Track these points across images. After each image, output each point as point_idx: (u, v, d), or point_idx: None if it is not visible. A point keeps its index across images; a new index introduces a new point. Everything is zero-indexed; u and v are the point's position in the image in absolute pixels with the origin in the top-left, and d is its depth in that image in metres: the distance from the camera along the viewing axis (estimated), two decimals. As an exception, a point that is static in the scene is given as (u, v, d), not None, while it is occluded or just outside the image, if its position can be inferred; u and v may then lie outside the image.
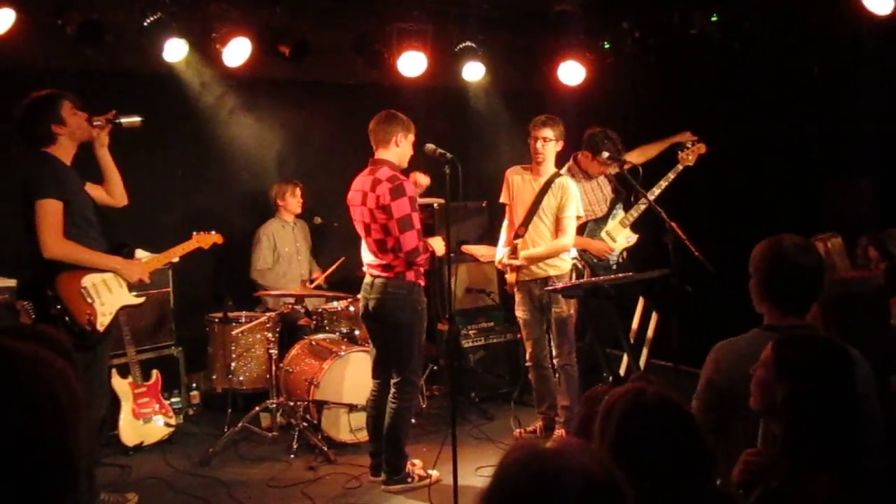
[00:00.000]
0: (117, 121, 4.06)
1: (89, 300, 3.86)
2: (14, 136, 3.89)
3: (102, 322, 3.89)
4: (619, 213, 5.31)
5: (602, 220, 5.30)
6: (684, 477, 1.72)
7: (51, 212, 3.67)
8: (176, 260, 4.68)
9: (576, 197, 4.89)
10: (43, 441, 1.14)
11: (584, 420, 2.15)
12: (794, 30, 5.27)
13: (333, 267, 5.98)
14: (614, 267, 5.26)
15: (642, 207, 5.15)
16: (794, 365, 1.96)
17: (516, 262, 4.91)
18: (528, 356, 5.12)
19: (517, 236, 4.96)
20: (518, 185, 5.05)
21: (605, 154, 4.96)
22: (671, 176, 5.21)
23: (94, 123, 3.97)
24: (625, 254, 5.35)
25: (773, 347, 2.03)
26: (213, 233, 4.73)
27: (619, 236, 5.29)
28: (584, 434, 1.98)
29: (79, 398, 1.23)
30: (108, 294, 3.95)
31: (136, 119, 4.14)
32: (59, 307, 3.74)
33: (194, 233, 4.67)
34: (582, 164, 5.33)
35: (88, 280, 3.87)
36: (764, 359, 2.04)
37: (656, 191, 5.13)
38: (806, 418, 1.92)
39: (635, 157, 5.26)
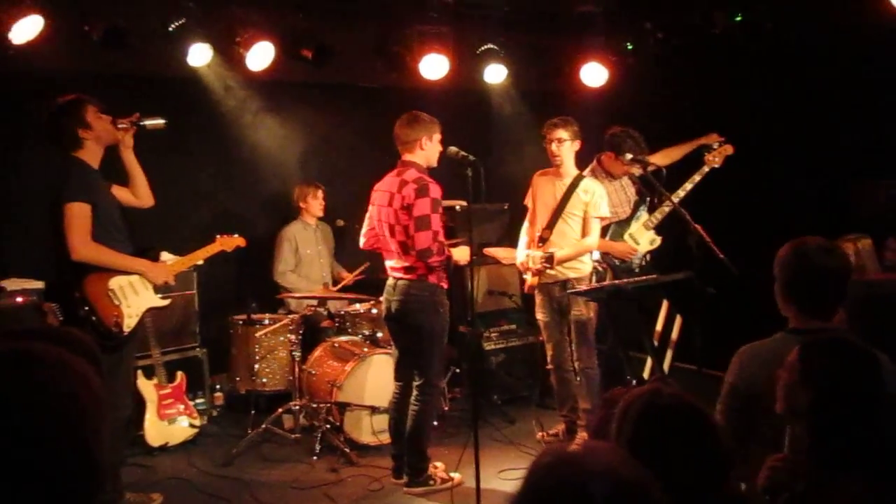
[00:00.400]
0: (141, 123, 4.11)
1: (116, 302, 3.90)
2: (40, 139, 3.95)
3: (129, 324, 3.93)
4: (643, 215, 5.26)
5: (625, 223, 5.25)
6: (700, 479, 1.71)
7: (79, 215, 3.72)
8: (200, 262, 4.72)
9: (604, 198, 4.87)
10: (65, 443, 1.15)
11: (601, 422, 2.14)
12: (819, 29, 5.22)
13: (357, 272, 6.01)
14: (637, 270, 5.21)
15: (666, 210, 5.10)
16: (821, 369, 1.94)
17: (549, 270, 4.85)
18: (548, 359, 5.10)
19: (542, 240, 4.93)
20: (540, 187, 5.03)
21: (628, 155, 4.91)
22: (696, 178, 5.15)
23: (119, 126, 4.02)
24: (648, 256, 5.30)
25: (799, 351, 2.00)
26: (236, 235, 4.77)
27: (643, 239, 5.24)
28: (601, 436, 1.97)
29: (102, 400, 1.24)
30: (134, 296, 3.99)
31: (160, 121, 4.18)
32: (86, 309, 3.78)
33: (217, 235, 4.71)
34: (605, 165, 5.30)
35: (115, 282, 3.91)
36: (789, 362, 2.01)
37: (681, 193, 5.08)
38: (832, 422, 1.90)
39: (659, 158, 5.21)
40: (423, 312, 4.26)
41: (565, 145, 4.83)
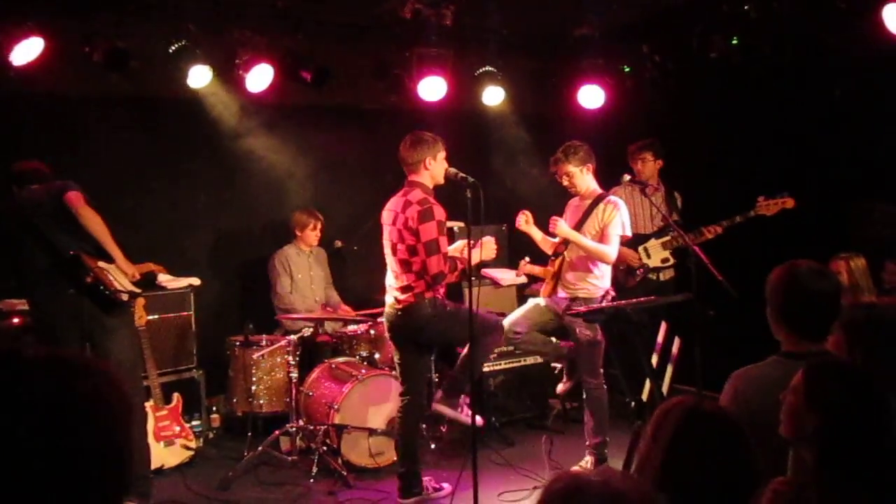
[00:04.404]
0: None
1: (105, 271, 4.25)
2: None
3: (122, 292, 4.27)
4: (667, 237, 5.38)
5: (645, 237, 5.38)
6: (731, 491, 1.71)
7: (78, 195, 4.15)
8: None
9: (624, 215, 4.78)
10: (104, 449, 1.17)
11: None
12: (815, 52, 5.25)
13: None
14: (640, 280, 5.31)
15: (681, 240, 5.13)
16: (827, 393, 1.93)
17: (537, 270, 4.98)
18: (509, 319, 4.89)
19: (556, 254, 4.93)
20: (570, 210, 5.01)
21: (626, 177, 4.95)
22: (738, 219, 5.12)
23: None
24: (654, 276, 5.39)
25: (804, 375, 1.99)
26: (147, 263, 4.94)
27: (655, 254, 5.34)
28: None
29: (130, 404, 1.23)
30: (120, 276, 4.29)
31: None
32: (92, 276, 4.12)
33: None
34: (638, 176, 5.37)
35: (101, 264, 4.26)
36: (794, 386, 2.00)
37: (718, 229, 5.15)
38: (839, 447, 1.89)
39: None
40: (422, 330, 4.27)
41: (576, 176, 4.80)
